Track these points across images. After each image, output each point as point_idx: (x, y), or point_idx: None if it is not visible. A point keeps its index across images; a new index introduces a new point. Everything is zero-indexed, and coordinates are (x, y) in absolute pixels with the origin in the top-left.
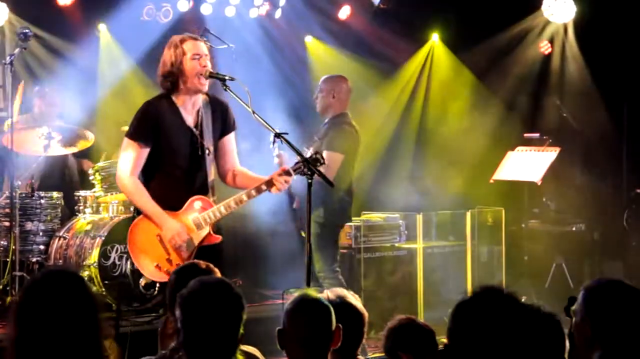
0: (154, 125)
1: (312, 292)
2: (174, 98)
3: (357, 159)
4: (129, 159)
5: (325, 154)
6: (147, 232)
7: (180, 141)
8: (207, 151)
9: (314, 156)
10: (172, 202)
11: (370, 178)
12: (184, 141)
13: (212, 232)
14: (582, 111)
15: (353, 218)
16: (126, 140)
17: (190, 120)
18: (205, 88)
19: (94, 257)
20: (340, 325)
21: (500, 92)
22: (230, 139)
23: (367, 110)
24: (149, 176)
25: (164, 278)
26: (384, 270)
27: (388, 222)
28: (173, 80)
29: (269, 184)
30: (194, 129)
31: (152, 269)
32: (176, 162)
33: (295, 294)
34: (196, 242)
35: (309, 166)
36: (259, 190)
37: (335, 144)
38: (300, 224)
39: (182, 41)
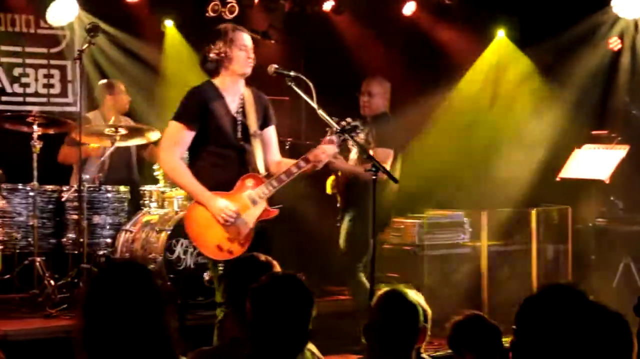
0: (200, 108)
1: (402, 288)
2: (216, 82)
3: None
4: (174, 139)
5: (377, 150)
6: (203, 214)
7: (226, 123)
8: (253, 133)
9: (352, 124)
10: (222, 182)
11: (434, 175)
12: (230, 123)
13: (268, 206)
14: None
15: (417, 215)
16: (171, 122)
17: (233, 105)
18: (249, 71)
19: (159, 251)
20: (426, 324)
21: (568, 89)
22: (271, 131)
23: (435, 108)
24: (196, 158)
25: (227, 257)
26: (447, 268)
27: (452, 220)
28: (218, 63)
29: (307, 158)
30: (237, 113)
31: (214, 249)
32: (224, 143)
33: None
34: (254, 217)
35: (374, 162)
36: (306, 159)
37: (387, 140)
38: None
39: (232, 30)
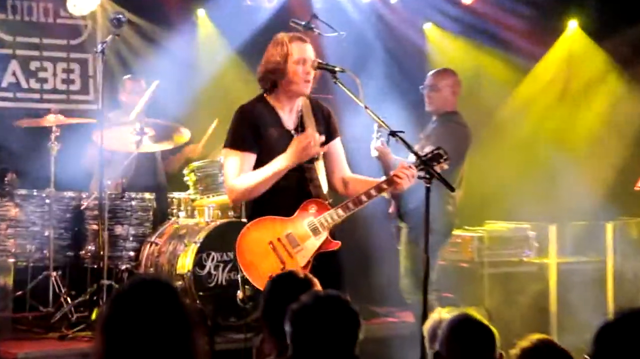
0: (253, 130)
1: (474, 313)
2: (271, 100)
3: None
4: (237, 168)
5: None
6: (258, 241)
7: (283, 143)
8: (315, 155)
9: (435, 152)
10: (283, 208)
11: (497, 182)
12: (287, 142)
13: (330, 237)
14: None
15: (476, 228)
16: (225, 151)
17: (290, 123)
18: (308, 91)
19: (187, 265)
20: (502, 353)
21: None
22: (336, 145)
23: (496, 107)
24: None
25: None
26: (511, 288)
27: (516, 234)
28: (273, 80)
29: (390, 182)
30: (295, 133)
31: (266, 280)
32: None
33: (449, 314)
34: (313, 249)
35: (428, 167)
36: (379, 189)
37: (446, 142)
38: (396, 231)
39: (290, 40)
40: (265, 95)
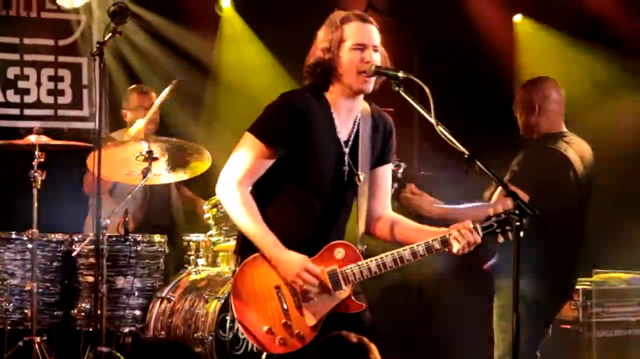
0: (295, 126)
1: None
2: (328, 96)
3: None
4: (244, 161)
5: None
6: (263, 278)
7: (328, 157)
8: (358, 179)
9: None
10: (301, 244)
11: (608, 219)
12: (333, 159)
13: (352, 296)
14: None
15: (581, 279)
16: (247, 135)
17: (343, 131)
18: (370, 88)
19: (209, 328)
20: None
21: None
22: (386, 172)
23: (607, 121)
24: (268, 199)
25: (275, 349)
26: (628, 356)
27: (632, 286)
28: (324, 72)
29: (444, 241)
30: (345, 146)
31: (262, 333)
32: (316, 188)
33: None
34: (328, 307)
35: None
36: (429, 249)
37: (517, 178)
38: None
39: (343, 21)
40: (320, 88)
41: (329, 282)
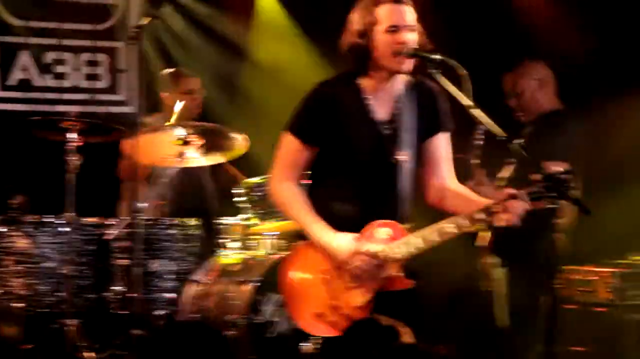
0: (327, 118)
1: None
2: (360, 81)
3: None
4: (284, 157)
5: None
6: (308, 266)
7: (364, 141)
8: (401, 159)
9: (562, 174)
10: (343, 224)
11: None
12: (369, 141)
13: (400, 274)
14: None
15: (615, 261)
16: (284, 135)
17: (382, 113)
18: (407, 69)
19: (242, 311)
20: None
21: None
22: (440, 142)
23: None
24: (315, 188)
25: (327, 332)
26: None
27: None
28: (359, 56)
29: (489, 211)
30: (386, 126)
31: (310, 319)
32: (354, 169)
33: None
34: (377, 285)
35: (558, 187)
36: (472, 219)
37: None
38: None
39: (376, 3)
40: (352, 74)
41: (377, 261)
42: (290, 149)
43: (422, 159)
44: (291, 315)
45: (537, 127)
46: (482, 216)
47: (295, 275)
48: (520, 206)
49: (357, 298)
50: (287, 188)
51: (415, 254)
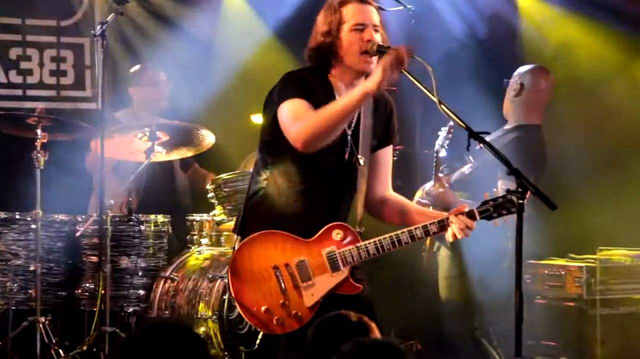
0: (306, 95)
1: None
2: (330, 78)
3: None
4: (296, 110)
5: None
6: (260, 259)
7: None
8: (359, 161)
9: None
10: (300, 224)
11: (611, 199)
12: (338, 140)
13: (350, 278)
14: None
15: (586, 256)
16: (283, 105)
17: None
18: (372, 68)
19: (213, 307)
20: None
21: None
22: (387, 154)
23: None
24: (266, 179)
25: (274, 330)
26: (632, 334)
27: (638, 263)
28: (326, 55)
29: (442, 225)
30: (347, 128)
31: (260, 313)
32: (317, 168)
33: None
34: (326, 288)
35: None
36: (427, 232)
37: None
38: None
39: (342, 4)
40: (324, 69)
41: (328, 265)
42: (297, 106)
43: (370, 166)
44: (240, 309)
45: (515, 135)
46: (436, 229)
47: (246, 269)
48: (471, 223)
49: (307, 299)
50: (310, 115)
51: (366, 260)
